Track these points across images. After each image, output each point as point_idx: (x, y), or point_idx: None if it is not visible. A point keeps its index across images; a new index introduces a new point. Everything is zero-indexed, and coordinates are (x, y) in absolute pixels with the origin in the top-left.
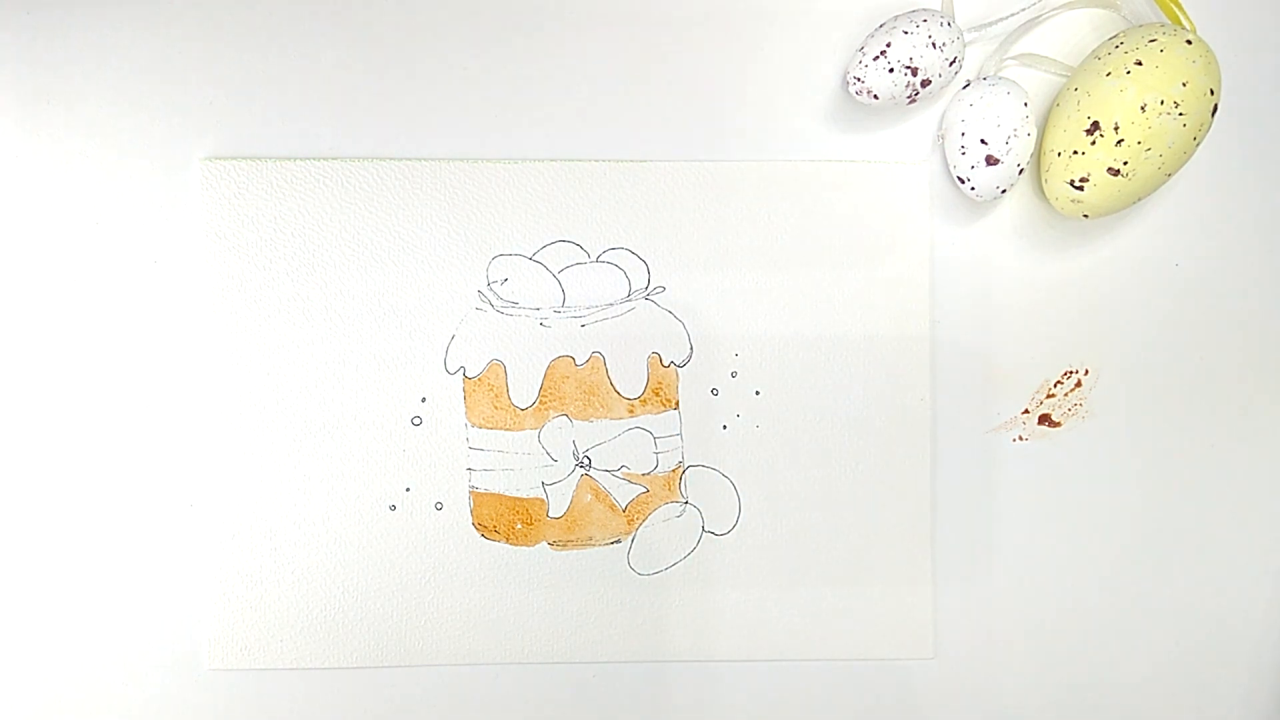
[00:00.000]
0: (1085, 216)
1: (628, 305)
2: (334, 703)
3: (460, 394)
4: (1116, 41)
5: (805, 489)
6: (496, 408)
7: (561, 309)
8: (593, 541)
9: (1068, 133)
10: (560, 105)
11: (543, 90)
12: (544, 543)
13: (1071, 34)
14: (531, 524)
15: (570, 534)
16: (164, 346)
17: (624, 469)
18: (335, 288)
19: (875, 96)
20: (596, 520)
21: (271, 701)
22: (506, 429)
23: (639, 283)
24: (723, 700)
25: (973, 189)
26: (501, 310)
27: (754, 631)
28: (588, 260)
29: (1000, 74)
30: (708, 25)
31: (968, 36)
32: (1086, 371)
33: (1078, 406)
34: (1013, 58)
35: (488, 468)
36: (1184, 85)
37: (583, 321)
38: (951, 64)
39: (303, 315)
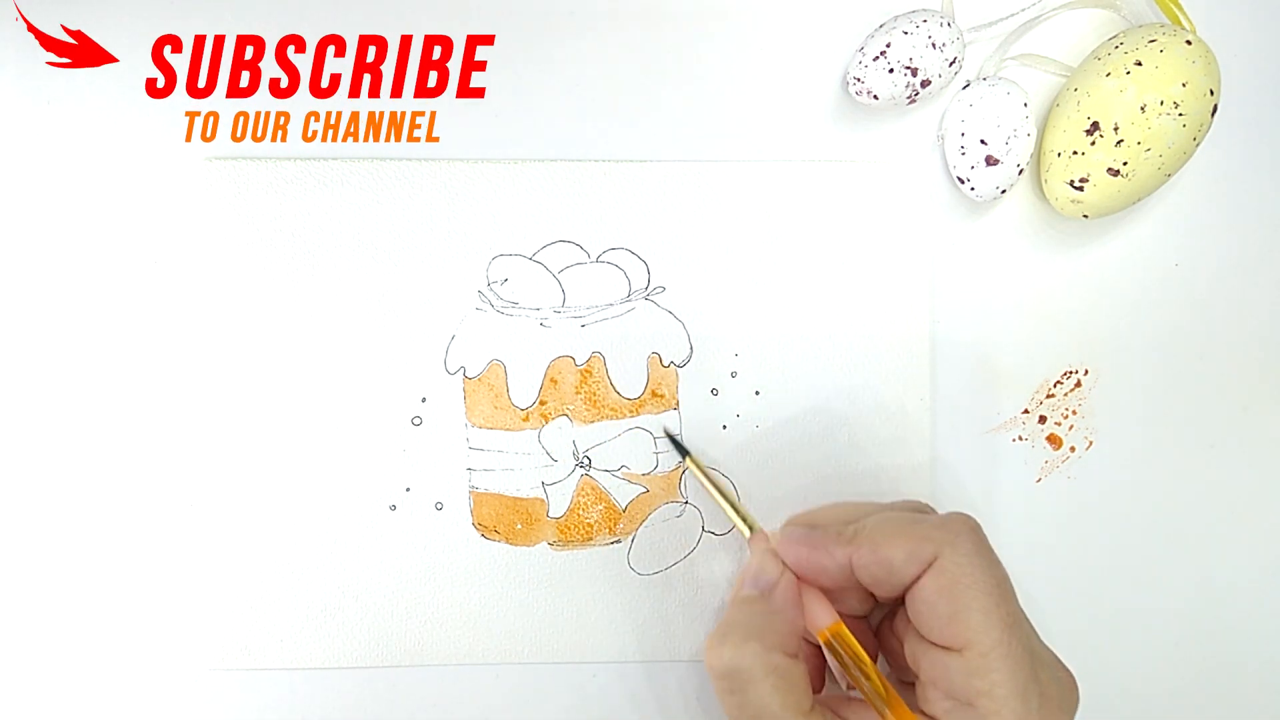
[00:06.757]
0: (1085, 217)
1: (628, 305)
2: (334, 703)
3: (460, 394)
4: (1116, 42)
5: (805, 489)
6: (497, 408)
7: (561, 309)
8: (593, 542)
9: (1067, 133)
10: (560, 105)
11: (543, 90)
12: (544, 543)
13: (1071, 34)
14: (531, 524)
15: (570, 534)
16: (164, 346)
17: (624, 469)
18: (335, 288)
19: (875, 97)
20: (596, 520)
21: (271, 701)
22: (506, 429)
23: (639, 283)
24: None
25: (973, 189)
26: (501, 310)
27: None
28: (588, 260)
29: (1000, 74)
30: (707, 25)
31: (968, 36)
32: (1086, 372)
33: (1078, 406)
34: (1013, 58)
35: (488, 468)
36: (1184, 86)
37: (583, 321)
38: (951, 64)
39: (303, 315)
